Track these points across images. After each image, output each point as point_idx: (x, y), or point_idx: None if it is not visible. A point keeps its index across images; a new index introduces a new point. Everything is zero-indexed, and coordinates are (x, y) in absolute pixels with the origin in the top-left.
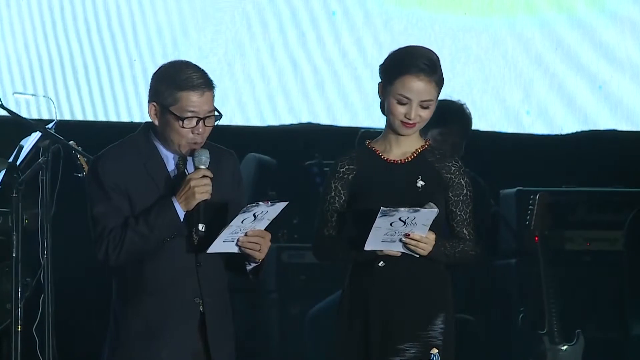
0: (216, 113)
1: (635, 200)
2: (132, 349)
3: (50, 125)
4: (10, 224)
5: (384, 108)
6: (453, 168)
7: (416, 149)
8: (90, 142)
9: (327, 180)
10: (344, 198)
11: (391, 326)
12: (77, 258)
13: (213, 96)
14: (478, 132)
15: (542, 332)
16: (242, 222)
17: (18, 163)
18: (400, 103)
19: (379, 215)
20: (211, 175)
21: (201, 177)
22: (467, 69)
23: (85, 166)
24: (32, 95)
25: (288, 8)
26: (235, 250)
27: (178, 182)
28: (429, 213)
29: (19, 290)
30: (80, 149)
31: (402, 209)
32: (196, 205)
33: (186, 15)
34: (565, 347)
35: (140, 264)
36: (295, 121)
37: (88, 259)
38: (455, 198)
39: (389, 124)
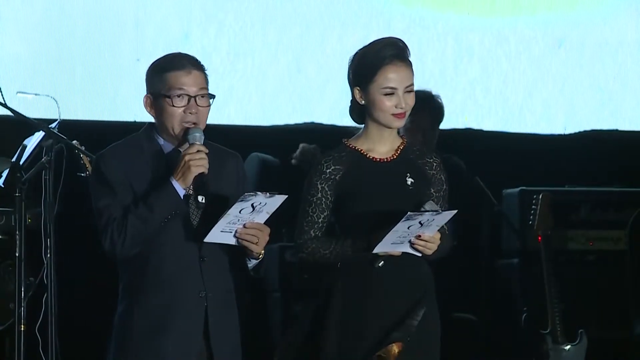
0: (209, 93)
1: (638, 199)
2: (138, 345)
3: (53, 125)
4: (13, 224)
5: (356, 112)
6: (434, 164)
7: (398, 147)
8: (93, 141)
9: (311, 181)
10: (331, 199)
11: (389, 327)
12: (80, 257)
13: (204, 78)
14: (481, 132)
15: (545, 331)
16: (239, 212)
17: (21, 162)
18: (387, 95)
19: (403, 219)
20: (206, 151)
21: (196, 152)
22: (470, 68)
23: (88, 165)
24: (35, 94)
25: (291, 7)
26: (233, 242)
27: (175, 163)
28: (448, 214)
29: (22, 289)
30: (83, 148)
31: (427, 212)
32: (194, 179)
33: (189, 15)
34: (568, 346)
35: (144, 260)
36: (298, 121)
37: (91, 258)
38: (437, 194)
39: (376, 121)
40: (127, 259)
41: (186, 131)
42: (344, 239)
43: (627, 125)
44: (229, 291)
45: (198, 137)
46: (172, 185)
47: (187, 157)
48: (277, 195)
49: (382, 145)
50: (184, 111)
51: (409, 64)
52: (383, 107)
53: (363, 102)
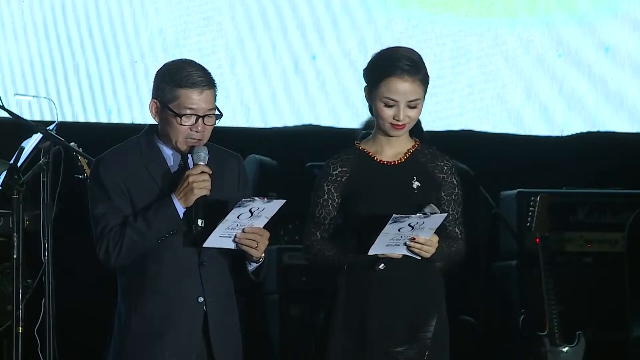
0: (217, 112)
1: (636, 201)
2: (136, 350)
3: (51, 127)
4: (11, 226)
5: (373, 110)
6: (445, 167)
7: (408, 150)
8: (91, 143)
9: (319, 183)
10: (337, 201)
11: (390, 329)
12: (78, 259)
13: (214, 95)
14: (479, 134)
15: (543, 333)
16: (238, 217)
17: (19, 164)
18: (387, 105)
19: (389, 222)
20: (210, 172)
21: (200, 173)
22: (467, 70)
23: (86, 167)
24: (33, 96)
25: (288, 9)
26: (232, 246)
27: (178, 179)
28: (438, 218)
29: (20, 291)
30: (81, 150)
31: (413, 215)
32: (195, 201)
33: (187, 17)
34: (566, 348)
35: (143, 264)
36: (296, 123)
37: (89, 260)
38: (448, 197)
39: (378, 126)
40: (124, 265)
41: (191, 149)
42: (347, 241)
43: (624, 127)
44: (229, 295)
45: (202, 157)
46: (173, 203)
47: (190, 179)
48: (275, 200)
49: (390, 148)
50: (190, 129)
51: (419, 80)
52: (382, 114)
53: (369, 102)
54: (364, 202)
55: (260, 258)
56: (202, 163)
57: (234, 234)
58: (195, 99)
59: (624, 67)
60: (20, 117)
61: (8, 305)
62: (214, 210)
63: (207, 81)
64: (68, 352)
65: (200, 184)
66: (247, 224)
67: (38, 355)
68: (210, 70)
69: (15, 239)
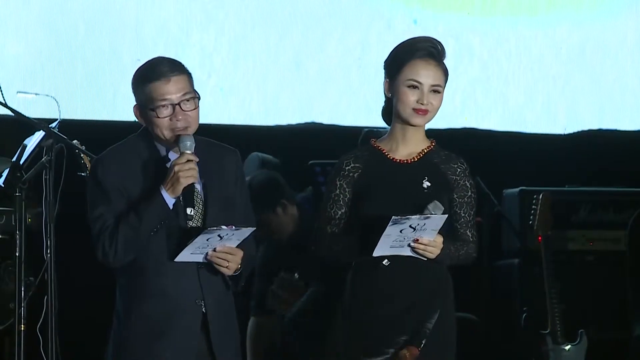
0: (194, 97)
1: (638, 200)
2: (135, 351)
3: (53, 125)
4: (13, 223)
5: (386, 111)
6: (459, 170)
7: (422, 150)
8: (94, 141)
9: (332, 178)
10: (348, 196)
11: (393, 321)
12: (80, 257)
13: (187, 81)
14: (481, 132)
15: (545, 332)
16: (207, 240)
17: (21, 162)
18: (412, 87)
19: (390, 223)
20: (196, 159)
21: (185, 162)
22: (470, 68)
23: (88, 165)
24: (36, 94)
25: (291, 7)
26: (203, 261)
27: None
28: (439, 219)
29: (22, 289)
30: (83, 148)
31: (413, 216)
32: (183, 190)
33: (189, 15)
34: (568, 347)
35: (142, 267)
36: (299, 121)
37: (92, 259)
38: (460, 200)
39: (397, 120)
40: (124, 265)
41: (177, 138)
42: (353, 237)
43: (627, 125)
44: (228, 295)
45: (189, 145)
46: (161, 195)
47: (176, 168)
48: (243, 229)
49: (404, 147)
50: (171, 119)
51: (442, 66)
52: (405, 99)
53: (390, 94)
54: (373, 199)
55: (236, 272)
56: (188, 151)
57: (206, 252)
58: (165, 88)
59: (627, 66)
60: (23, 115)
61: (10, 303)
62: (215, 208)
63: (173, 69)
64: (70, 350)
65: (186, 173)
66: (218, 243)
67: (40, 354)
68: (212, 68)
69: (17, 236)
